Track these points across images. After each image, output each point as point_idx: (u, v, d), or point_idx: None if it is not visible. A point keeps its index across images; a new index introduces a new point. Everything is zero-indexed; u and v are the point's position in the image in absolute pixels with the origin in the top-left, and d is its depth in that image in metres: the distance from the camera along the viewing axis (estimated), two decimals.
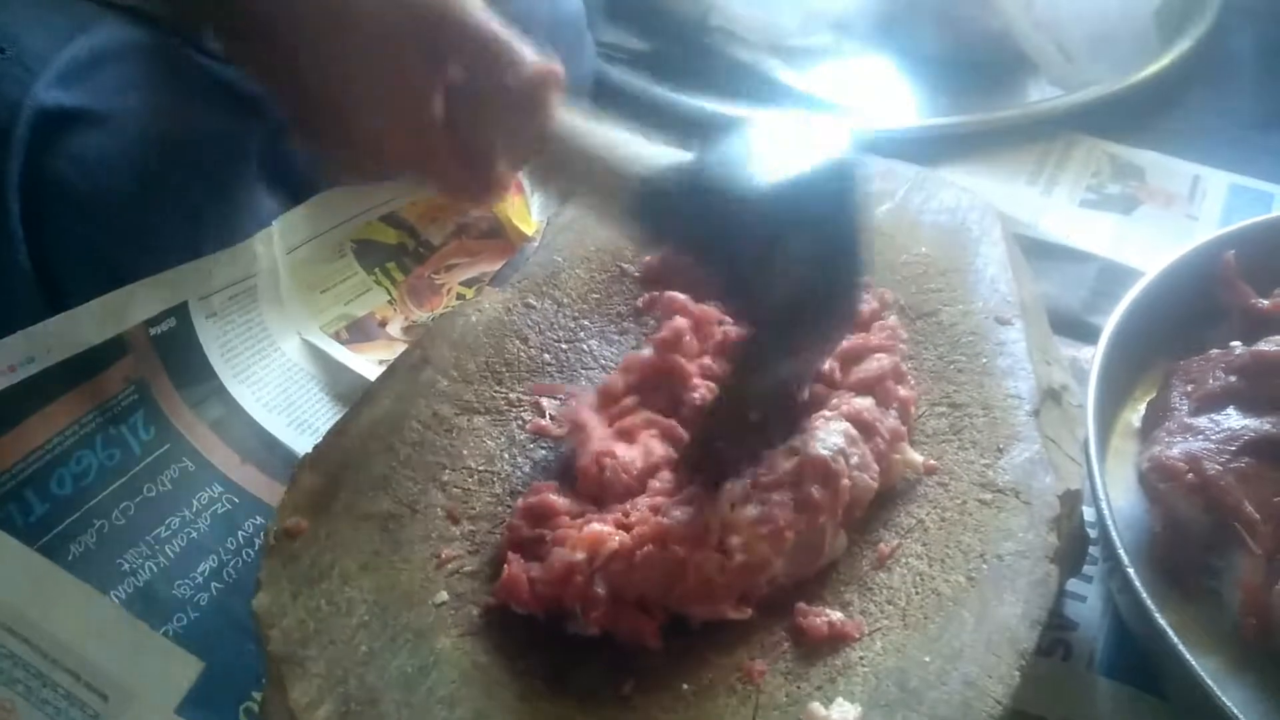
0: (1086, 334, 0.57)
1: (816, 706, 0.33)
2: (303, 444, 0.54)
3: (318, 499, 0.40)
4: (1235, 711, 0.37)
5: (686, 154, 0.38)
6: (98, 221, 0.49)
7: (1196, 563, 0.46)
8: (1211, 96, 0.76)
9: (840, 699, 0.33)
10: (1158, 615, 0.40)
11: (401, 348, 0.60)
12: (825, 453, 0.37)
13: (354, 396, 0.55)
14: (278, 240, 0.59)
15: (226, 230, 0.55)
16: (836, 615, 0.36)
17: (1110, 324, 0.51)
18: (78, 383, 0.50)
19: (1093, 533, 0.45)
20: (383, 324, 0.64)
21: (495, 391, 0.46)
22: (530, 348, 0.47)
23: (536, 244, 0.53)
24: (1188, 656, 0.39)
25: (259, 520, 0.51)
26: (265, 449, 0.54)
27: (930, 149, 0.70)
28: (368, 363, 0.60)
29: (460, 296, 0.65)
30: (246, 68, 0.48)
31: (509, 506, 0.41)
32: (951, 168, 0.69)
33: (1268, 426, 0.47)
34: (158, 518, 0.50)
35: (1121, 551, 0.42)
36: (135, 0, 0.52)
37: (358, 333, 0.62)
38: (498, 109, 0.40)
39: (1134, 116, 0.73)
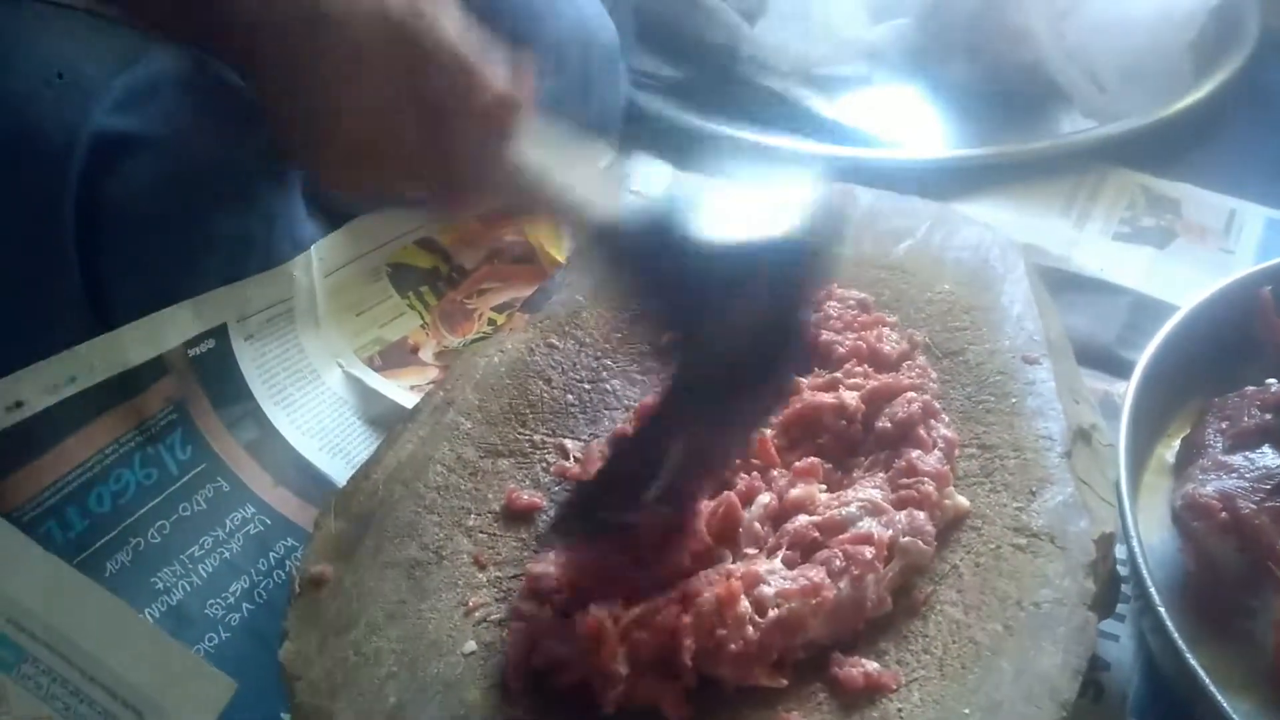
0: (1119, 369, 0.57)
1: None
2: (335, 468, 0.56)
3: (343, 546, 0.41)
4: None
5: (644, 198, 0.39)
6: (147, 244, 0.50)
7: (1230, 603, 0.46)
8: (1248, 129, 0.75)
9: None
10: (1189, 656, 0.40)
11: (433, 373, 0.62)
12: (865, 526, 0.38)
13: (386, 422, 0.57)
14: (316, 264, 0.61)
15: (268, 254, 0.57)
16: (873, 666, 0.36)
17: (1143, 360, 0.51)
18: (118, 402, 0.51)
19: (1124, 570, 0.45)
20: (415, 349, 0.65)
21: (519, 434, 0.46)
22: (554, 389, 0.48)
23: (558, 280, 0.53)
24: (1220, 699, 0.38)
25: (290, 542, 0.52)
26: (298, 472, 0.55)
27: (961, 180, 0.70)
28: (400, 389, 0.61)
29: (491, 322, 0.66)
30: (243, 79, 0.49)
31: (535, 551, 0.41)
32: (982, 199, 0.69)
33: None
34: (192, 537, 0.51)
35: (1153, 591, 0.42)
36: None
37: (391, 358, 0.64)
38: (463, 130, 0.41)
39: (1169, 149, 0.73)
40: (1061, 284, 0.60)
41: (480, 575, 0.40)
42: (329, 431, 0.59)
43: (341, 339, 0.64)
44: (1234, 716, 0.38)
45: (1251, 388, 0.51)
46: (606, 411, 0.47)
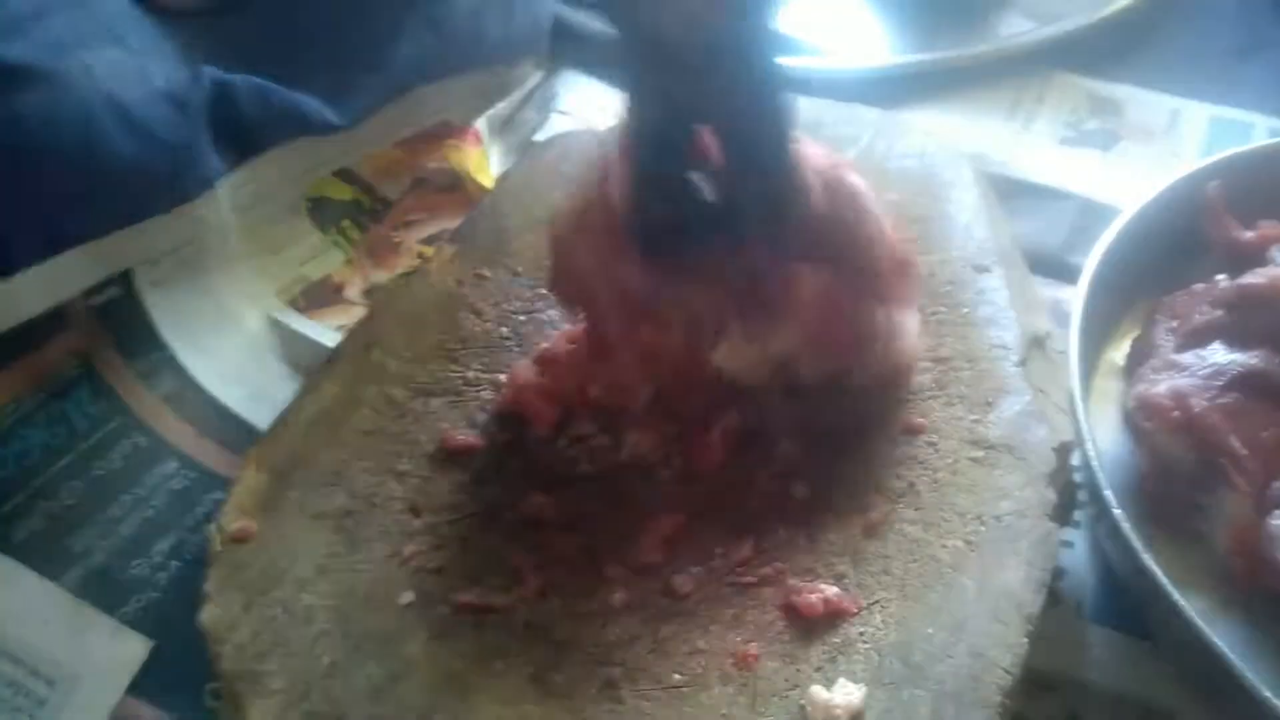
0: (1067, 274, 0.56)
1: (818, 690, 0.32)
2: (262, 417, 0.52)
3: (265, 499, 0.38)
4: (1223, 649, 0.36)
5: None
6: (39, 186, 0.47)
7: (1184, 503, 0.45)
8: (1189, 27, 0.74)
9: (842, 679, 0.32)
10: (1145, 558, 0.39)
11: (360, 312, 0.58)
12: None
13: (309, 366, 0.53)
14: (226, 200, 0.56)
15: (173, 191, 0.53)
16: (832, 590, 0.34)
17: (1090, 263, 0.49)
18: (15, 358, 0.48)
19: (1079, 477, 0.44)
20: (340, 288, 0.61)
21: (451, 371, 0.43)
22: (485, 322, 0.45)
23: (486, 207, 0.50)
24: (1176, 597, 0.38)
25: (219, 495, 0.49)
26: (223, 422, 0.52)
27: (903, 88, 0.68)
28: (326, 330, 0.57)
29: (420, 256, 0.62)
30: None
31: (473, 494, 0.39)
32: (925, 106, 0.67)
33: (1255, 361, 0.46)
34: (109, 496, 0.48)
35: (1108, 495, 0.41)
36: None
37: (315, 298, 0.59)
38: None
39: (1111, 50, 0.71)
40: (1008, 191, 0.58)
41: (415, 522, 0.38)
42: (253, 379, 0.55)
43: (261, 281, 0.60)
44: (1190, 614, 0.37)
45: (1200, 285, 0.50)
46: (544, 344, 0.44)
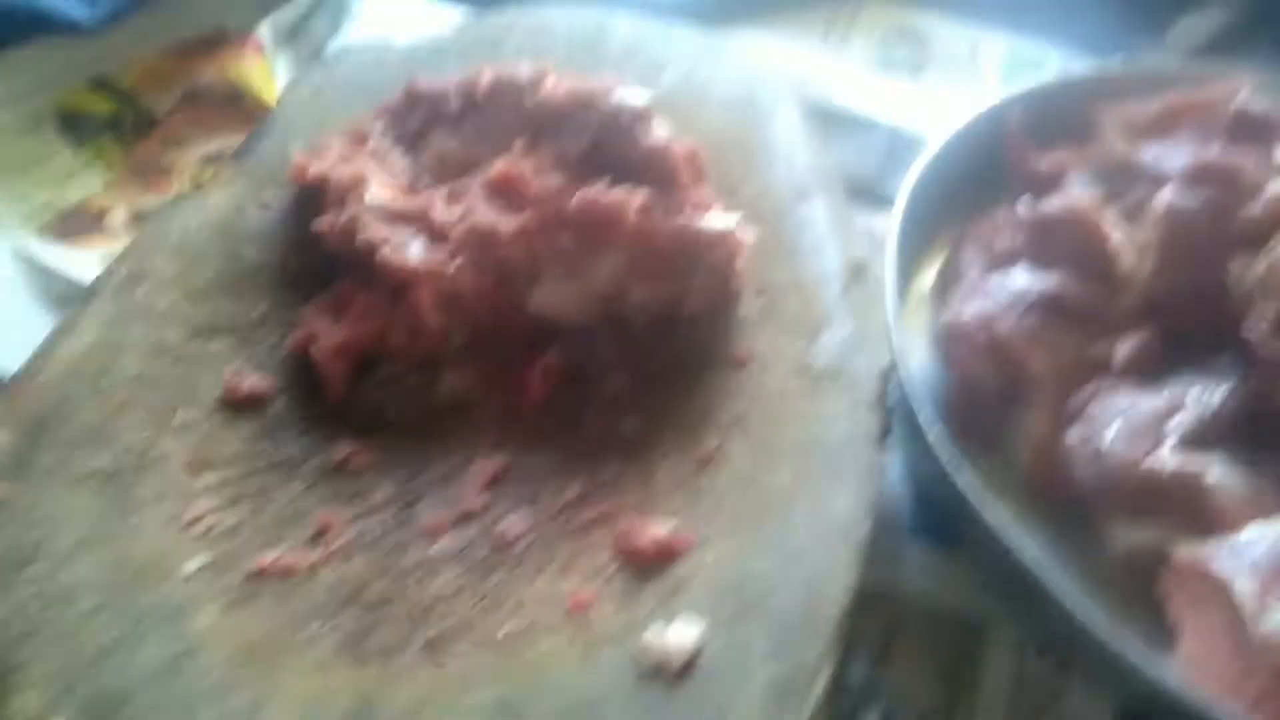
0: (880, 203, 0.57)
1: (653, 633, 0.30)
2: (14, 365, 0.45)
3: (14, 461, 0.32)
4: (1023, 556, 0.37)
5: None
6: None
7: (989, 420, 0.47)
8: None
9: (678, 619, 0.31)
10: (952, 473, 0.40)
11: (126, 242, 0.51)
12: None
13: (70, 304, 0.47)
14: None
15: None
16: (664, 529, 0.33)
17: (902, 193, 0.50)
18: None
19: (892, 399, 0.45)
20: (101, 214, 0.54)
21: (235, 308, 0.38)
22: (271, 253, 0.40)
23: (270, 124, 0.45)
24: (980, 509, 0.39)
25: None
26: None
27: (720, 8, 0.66)
28: (88, 262, 0.50)
29: (194, 177, 0.56)
30: None
31: (267, 446, 0.35)
32: (741, 28, 0.66)
33: (1053, 284, 0.48)
34: None
35: (920, 415, 0.42)
36: None
37: (72, 225, 0.53)
38: None
39: None
40: (822, 120, 0.58)
41: (198, 481, 0.33)
42: (5, 324, 0.48)
43: (5, 205, 0.52)
44: (994, 524, 0.38)
45: (1002, 211, 0.52)
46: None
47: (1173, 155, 0.51)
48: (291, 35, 0.64)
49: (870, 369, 0.38)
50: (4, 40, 0.52)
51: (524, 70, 0.41)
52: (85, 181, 0.55)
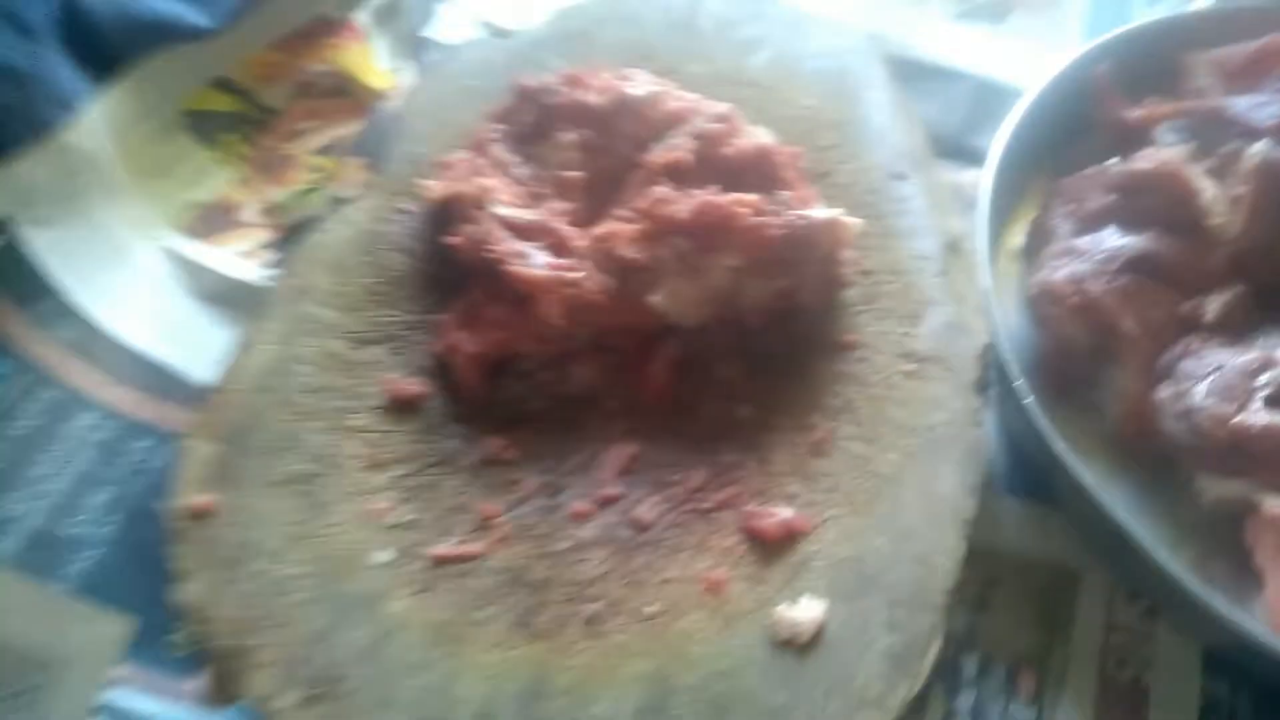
0: (966, 156, 0.58)
1: (783, 608, 0.34)
2: (177, 356, 0.50)
3: (220, 470, 0.37)
4: (1114, 511, 0.40)
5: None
6: None
7: (1081, 378, 0.49)
8: None
9: (805, 595, 0.35)
10: (1046, 432, 0.42)
11: (261, 234, 0.56)
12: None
13: (221, 298, 0.52)
14: (98, 124, 0.53)
15: (33, 122, 0.50)
16: (787, 512, 0.37)
17: (994, 152, 0.51)
18: None
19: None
20: (233, 210, 0.57)
21: (388, 316, 0.42)
22: (412, 259, 0.44)
23: (387, 119, 0.48)
24: (1073, 466, 0.41)
25: (147, 443, 0.48)
26: (136, 366, 0.50)
27: None
28: (229, 257, 0.55)
29: (316, 168, 0.59)
30: None
31: (430, 442, 0.39)
32: None
33: (1145, 243, 0.49)
34: (31, 455, 0.47)
35: (1016, 380, 0.44)
36: None
37: (211, 222, 0.56)
38: None
39: None
40: (907, 73, 0.59)
41: (378, 478, 0.38)
42: (159, 316, 0.53)
43: (149, 207, 0.56)
44: (1086, 481, 0.41)
45: (1093, 169, 0.53)
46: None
47: (1266, 106, 0.51)
48: (387, 16, 0.66)
49: (969, 350, 0.40)
50: (136, 53, 0.55)
51: (635, 84, 0.43)
52: (217, 179, 0.58)
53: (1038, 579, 0.45)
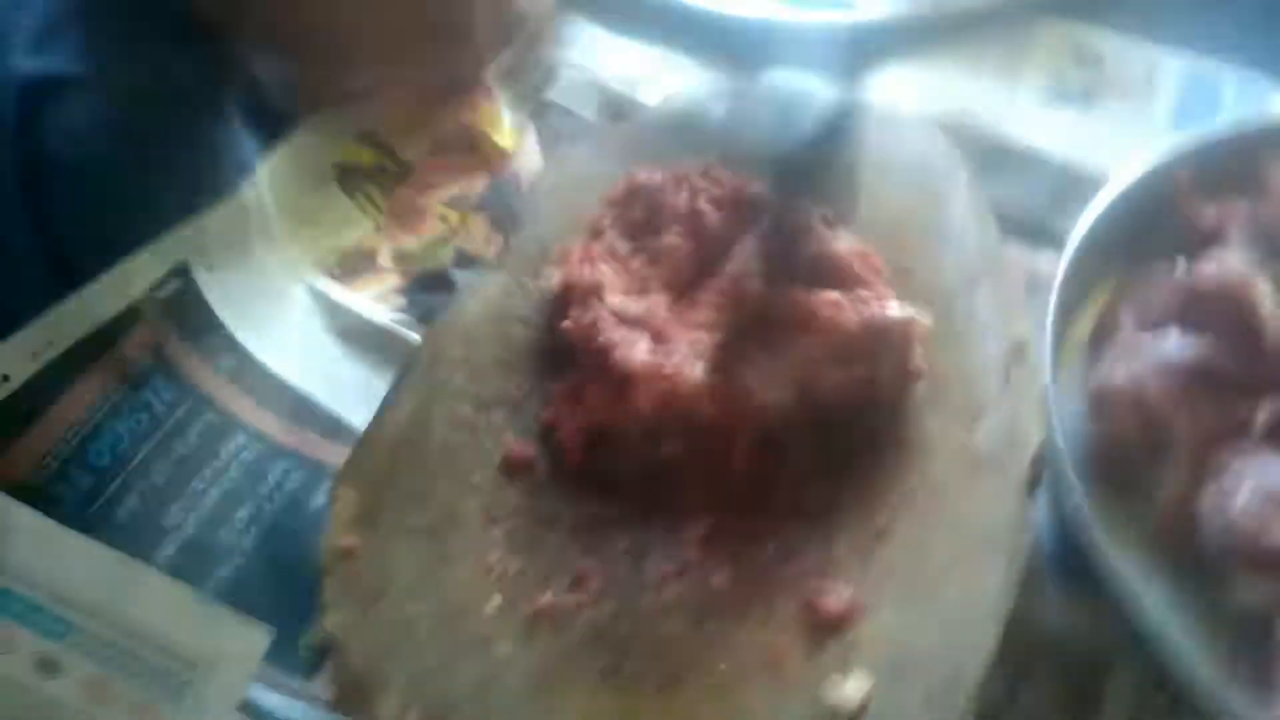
0: (1046, 240, 0.60)
1: (835, 682, 0.39)
2: (314, 386, 0.57)
3: (364, 516, 0.43)
4: (1145, 608, 0.43)
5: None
6: (94, 191, 0.50)
7: (1133, 473, 0.52)
8: None
9: (855, 672, 0.39)
10: (1088, 525, 0.45)
11: (392, 279, 0.62)
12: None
13: (357, 336, 0.58)
14: (265, 180, 0.60)
15: (216, 178, 0.56)
16: (847, 592, 0.41)
17: (1071, 242, 0.53)
18: (98, 358, 0.53)
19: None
20: (371, 255, 0.64)
21: (508, 381, 0.48)
22: (532, 331, 0.49)
23: (512, 180, 0.52)
24: (1107, 559, 0.44)
25: (284, 465, 0.55)
26: (279, 395, 0.57)
27: (887, 38, 0.68)
28: (365, 300, 0.61)
29: (444, 219, 0.65)
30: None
31: (536, 500, 0.45)
32: (911, 60, 0.68)
33: (1203, 349, 0.52)
34: (191, 471, 0.53)
35: (1071, 474, 0.48)
36: None
37: (350, 266, 0.63)
38: None
39: None
40: (992, 154, 0.61)
41: (493, 532, 0.44)
42: (302, 350, 0.59)
43: (299, 253, 0.63)
44: (1123, 576, 0.44)
45: (1162, 270, 0.55)
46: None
47: None
48: (509, 75, 0.71)
49: (1024, 455, 0.44)
50: (301, 117, 0.62)
51: (732, 182, 0.48)
52: (359, 226, 0.64)
53: (1073, 661, 0.48)
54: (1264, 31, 0.67)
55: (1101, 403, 0.52)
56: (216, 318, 0.58)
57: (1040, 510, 0.52)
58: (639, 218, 0.49)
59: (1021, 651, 0.47)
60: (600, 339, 0.44)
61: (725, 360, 0.44)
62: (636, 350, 0.44)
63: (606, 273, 0.46)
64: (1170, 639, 0.44)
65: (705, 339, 0.45)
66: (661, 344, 0.45)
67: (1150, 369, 0.52)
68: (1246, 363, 0.52)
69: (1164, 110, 0.67)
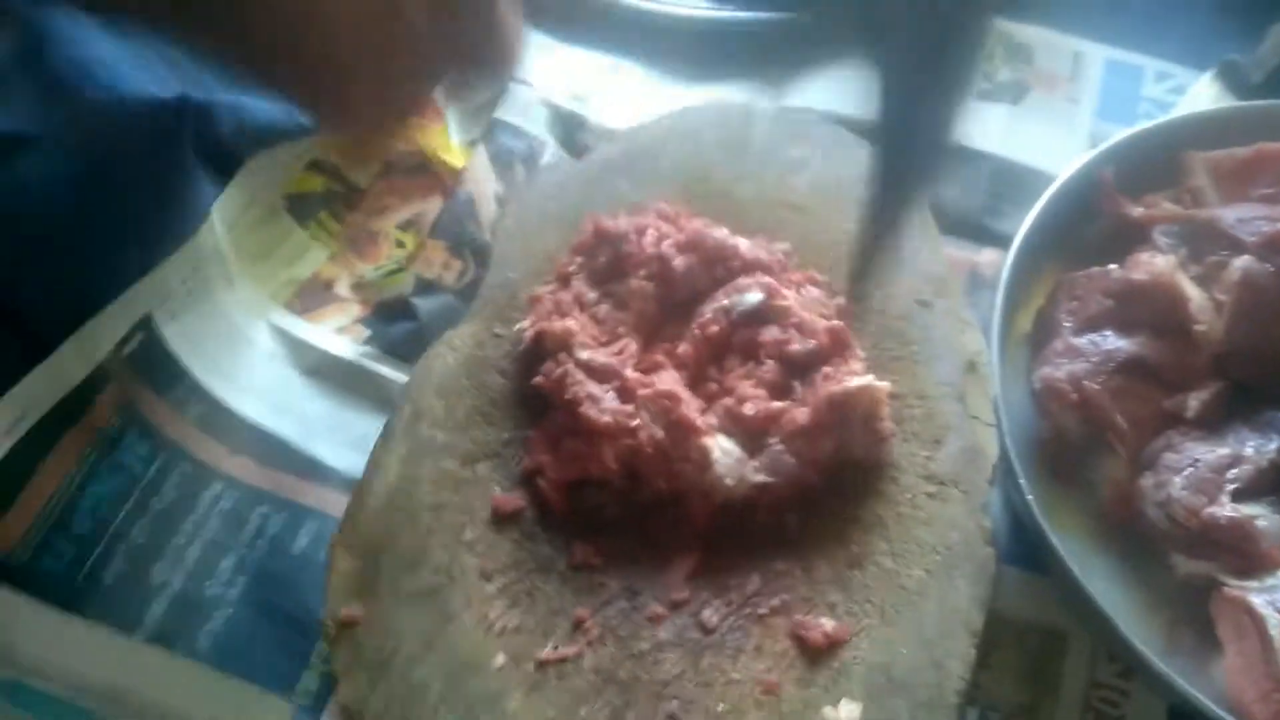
0: (985, 238, 0.61)
1: (828, 710, 0.41)
2: (284, 427, 0.56)
3: (362, 583, 0.43)
4: (1086, 584, 0.44)
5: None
6: (53, 250, 0.48)
7: (1076, 462, 0.54)
8: None
9: (844, 699, 0.41)
10: (1036, 511, 0.47)
11: (354, 309, 0.61)
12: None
13: (321, 372, 0.57)
14: (217, 221, 0.58)
15: (175, 230, 0.55)
16: (830, 624, 0.43)
17: (1016, 241, 0.54)
18: (73, 423, 0.52)
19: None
20: (329, 285, 0.62)
21: (488, 433, 0.48)
22: (509, 378, 0.49)
23: (463, 200, 0.51)
24: (1055, 543, 0.46)
25: (263, 510, 0.54)
26: (252, 438, 0.55)
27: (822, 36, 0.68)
28: (326, 333, 0.59)
29: (399, 243, 0.64)
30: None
31: (528, 550, 0.45)
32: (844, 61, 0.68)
33: (1136, 346, 0.54)
34: (173, 526, 0.52)
35: (1018, 466, 0.49)
36: None
37: (309, 299, 0.61)
38: None
39: None
40: None
41: (489, 586, 0.44)
42: (270, 390, 0.58)
43: (257, 290, 0.61)
44: (1065, 556, 0.45)
45: (1096, 269, 0.57)
46: (570, 385, 0.48)
47: (1252, 221, 0.56)
48: (457, 93, 0.69)
49: (983, 474, 0.46)
50: (251, 153, 0.60)
51: (698, 235, 0.48)
52: (314, 256, 0.63)
53: (1032, 638, 0.51)
54: (1178, 24, 0.68)
55: (1045, 400, 0.54)
56: (182, 367, 0.56)
57: (995, 504, 0.55)
58: (604, 264, 0.49)
59: (988, 632, 0.49)
60: (568, 395, 0.44)
61: (686, 431, 0.44)
62: (603, 407, 0.44)
63: (576, 322, 0.46)
64: (1118, 614, 0.46)
65: (671, 406, 0.45)
66: (629, 398, 0.45)
67: (1088, 367, 0.54)
68: (1176, 355, 0.54)
69: (1088, 103, 0.68)
